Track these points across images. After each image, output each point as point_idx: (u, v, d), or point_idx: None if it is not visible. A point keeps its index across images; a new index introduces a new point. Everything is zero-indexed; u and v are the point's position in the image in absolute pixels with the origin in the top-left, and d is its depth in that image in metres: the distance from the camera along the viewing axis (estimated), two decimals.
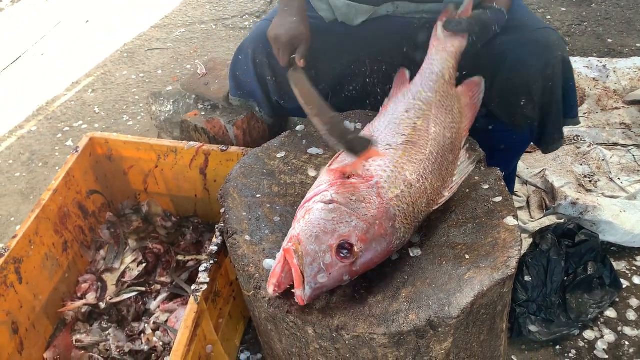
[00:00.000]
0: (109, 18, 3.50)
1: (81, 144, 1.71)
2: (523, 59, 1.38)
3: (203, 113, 1.82)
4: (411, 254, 1.13)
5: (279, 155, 1.41)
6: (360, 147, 1.15)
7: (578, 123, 1.50)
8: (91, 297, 1.68)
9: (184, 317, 1.23)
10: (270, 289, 1.00)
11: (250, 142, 1.84)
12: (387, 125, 1.25)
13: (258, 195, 1.30)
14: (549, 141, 1.47)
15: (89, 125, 2.59)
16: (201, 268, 1.33)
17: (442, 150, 1.21)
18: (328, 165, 1.19)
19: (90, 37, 3.33)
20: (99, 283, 1.72)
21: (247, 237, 1.20)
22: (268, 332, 1.20)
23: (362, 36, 1.57)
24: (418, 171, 1.14)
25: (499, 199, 1.22)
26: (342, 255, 1.00)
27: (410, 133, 1.21)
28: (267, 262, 1.12)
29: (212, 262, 1.34)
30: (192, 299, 1.27)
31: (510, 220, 1.17)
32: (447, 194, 1.17)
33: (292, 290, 0.99)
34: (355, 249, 1.01)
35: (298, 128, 1.48)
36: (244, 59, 1.58)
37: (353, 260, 1.01)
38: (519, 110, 1.43)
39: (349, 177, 1.13)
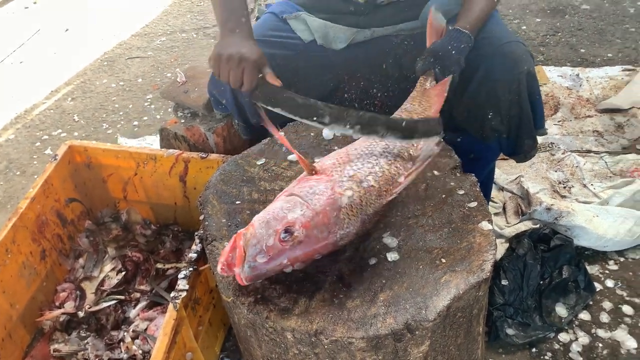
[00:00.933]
0: (88, 27, 3.49)
1: (60, 152, 1.70)
2: (490, 73, 1.40)
3: (183, 121, 1.82)
4: (389, 259, 1.15)
5: (258, 162, 1.42)
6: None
7: (545, 134, 1.53)
8: (69, 306, 1.67)
9: (162, 325, 1.23)
10: (218, 267, 1.03)
11: (231, 149, 1.85)
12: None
13: (238, 202, 1.31)
14: (524, 150, 1.50)
15: (68, 134, 2.57)
16: (180, 275, 1.33)
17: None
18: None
19: (70, 45, 3.32)
20: (78, 292, 1.71)
21: (227, 244, 1.21)
22: (247, 339, 1.20)
23: (340, 55, 1.59)
24: (371, 162, 1.16)
25: (474, 204, 1.25)
26: (282, 238, 1.02)
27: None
28: None
29: (191, 269, 1.34)
30: (171, 306, 1.27)
31: (485, 225, 1.20)
32: (403, 180, 1.16)
33: (234, 269, 1.01)
34: (295, 233, 1.03)
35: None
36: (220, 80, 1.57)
37: (292, 243, 1.03)
38: (487, 123, 1.45)
39: (316, 173, 1.16)
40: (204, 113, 1.81)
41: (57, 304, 1.69)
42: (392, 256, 1.16)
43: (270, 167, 1.41)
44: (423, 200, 1.28)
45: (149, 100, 2.76)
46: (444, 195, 1.29)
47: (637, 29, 3.12)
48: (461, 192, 1.29)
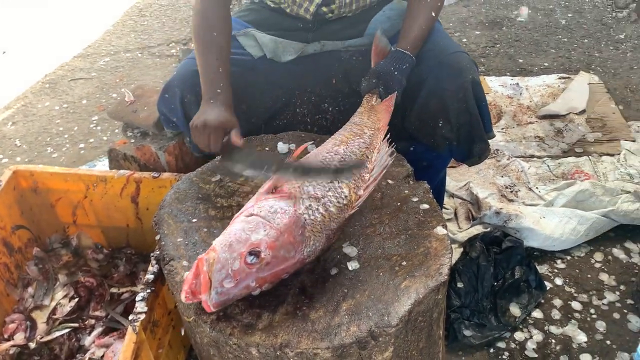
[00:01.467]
0: (28, 48, 3.39)
1: (4, 178, 1.64)
2: (438, 83, 1.45)
3: (132, 140, 1.79)
4: (349, 268, 1.16)
5: (213, 179, 1.41)
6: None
7: (493, 137, 1.59)
8: (19, 338, 1.60)
9: (122, 349, 1.19)
10: (182, 296, 1.00)
11: (183, 167, 1.83)
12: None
13: (194, 220, 1.30)
14: (478, 153, 1.55)
15: (10, 159, 2.48)
16: (138, 297, 1.30)
17: (353, 154, 1.26)
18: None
19: (8, 68, 3.21)
20: (28, 322, 1.63)
21: (185, 263, 1.19)
22: (210, 358, 1.18)
23: (290, 70, 1.61)
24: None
25: (427, 209, 1.28)
26: (249, 261, 1.01)
27: (330, 149, 1.28)
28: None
29: (149, 290, 1.32)
30: (130, 329, 1.23)
31: (439, 230, 1.23)
32: (362, 193, 1.19)
33: (200, 297, 0.99)
34: (262, 254, 1.02)
35: None
36: (170, 97, 1.56)
37: (259, 266, 1.02)
38: (438, 131, 1.50)
39: (274, 191, 1.16)
40: (154, 132, 1.78)
41: (5, 336, 1.61)
42: (352, 265, 1.17)
43: (226, 184, 1.40)
44: (379, 208, 1.31)
45: (94, 121, 2.70)
46: (399, 203, 1.32)
47: (569, 39, 3.29)
48: (415, 199, 1.32)
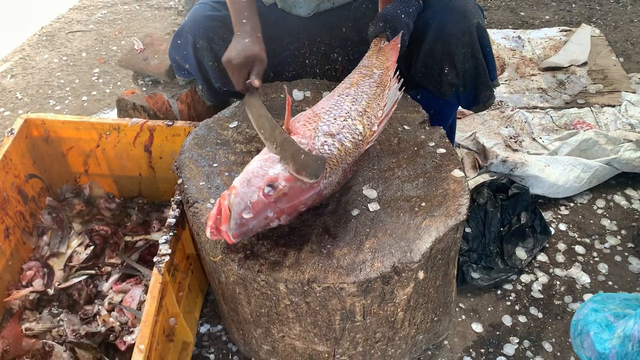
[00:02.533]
0: (22, 1, 3.30)
1: (16, 126, 1.64)
2: (442, 27, 1.45)
3: (144, 89, 1.78)
4: (370, 209, 1.19)
5: (231, 126, 1.43)
6: (313, 167, 1.06)
7: (497, 85, 1.60)
8: (38, 284, 1.63)
9: (150, 288, 1.23)
10: (207, 231, 1.03)
11: (195, 116, 1.83)
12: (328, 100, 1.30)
13: (215, 165, 1.32)
14: (483, 99, 1.56)
15: (12, 112, 2.46)
16: (161, 240, 1.32)
17: (364, 93, 1.28)
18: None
19: (3, 21, 3.13)
20: (45, 269, 1.66)
21: (209, 205, 1.22)
22: (235, 296, 1.22)
23: (300, 19, 1.60)
24: (342, 115, 1.20)
25: (444, 153, 1.31)
26: (266, 192, 1.04)
27: (342, 92, 1.29)
28: None
29: (171, 234, 1.34)
30: (155, 270, 1.27)
31: (457, 173, 1.26)
32: (376, 128, 1.21)
33: (220, 228, 1.02)
34: (279, 186, 1.06)
35: None
36: (183, 43, 1.55)
37: (276, 196, 1.05)
38: (444, 77, 1.51)
39: (289, 134, 1.18)
40: (165, 80, 1.77)
41: (24, 282, 1.64)
42: (373, 206, 1.20)
43: (244, 130, 1.42)
44: (397, 153, 1.33)
45: (96, 74, 2.67)
46: (415, 148, 1.34)
47: None
48: (432, 143, 1.35)
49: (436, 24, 1.45)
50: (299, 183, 1.08)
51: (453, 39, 1.44)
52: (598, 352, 1.13)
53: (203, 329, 1.60)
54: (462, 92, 1.55)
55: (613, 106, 2.29)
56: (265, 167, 1.09)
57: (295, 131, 1.18)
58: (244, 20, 1.39)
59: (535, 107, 2.32)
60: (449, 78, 1.51)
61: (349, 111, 1.21)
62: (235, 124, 1.43)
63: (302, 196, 1.09)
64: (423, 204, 1.20)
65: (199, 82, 1.62)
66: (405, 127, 1.40)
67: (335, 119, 1.19)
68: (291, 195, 1.07)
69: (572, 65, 2.54)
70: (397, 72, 1.34)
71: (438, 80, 1.53)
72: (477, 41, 1.46)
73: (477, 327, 1.57)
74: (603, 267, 1.70)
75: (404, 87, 1.33)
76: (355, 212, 1.19)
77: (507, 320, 1.58)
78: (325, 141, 1.14)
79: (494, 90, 1.58)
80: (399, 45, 1.40)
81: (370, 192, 1.23)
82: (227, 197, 1.04)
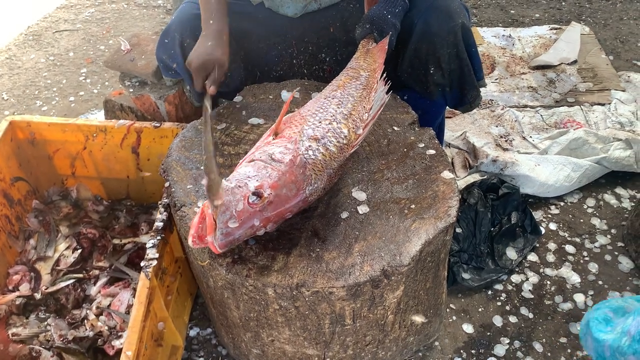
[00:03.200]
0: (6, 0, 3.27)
1: (0, 128, 1.61)
2: (427, 27, 1.44)
3: (131, 90, 1.76)
4: (360, 211, 1.19)
5: (219, 127, 1.41)
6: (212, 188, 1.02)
7: (484, 85, 1.60)
8: (25, 288, 1.60)
9: (137, 293, 1.21)
10: (190, 240, 1.02)
11: (183, 117, 1.81)
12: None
13: (202, 167, 1.30)
14: (469, 100, 1.56)
15: None
16: (148, 244, 1.31)
17: (351, 95, 1.26)
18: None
19: None
20: (32, 273, 1.64)
21: (197, 209, 1.20)
22: (224, 301, 1.21)
23: (288, 19, 1.59)
24: (327, 118, 1.19)
25: (434, 154, 1.31)
26: (252, 201, 1.03)
27: (328, 94, 1.27)
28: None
29: (159, 238, 1.33)
30: (142, 275, 1.25)
31: (446, 174, 1.26)
32: (362, 132, 1.20)
33: (206, 240, 1.01)
34: (265, 194, 1.04)
35: (236, 99, 1.49)
36: (170, 42, 1.54)
37: (262, 205, 1.04)
38: (430, 78, 1.50)
39: (275, 137, 1.17)
40: (153, 81, 1.76)
41: (10, 287, 1.62)
42: (362, 209, 1.19)
43: (232, 132, 1.40)
44: (386, 155, 1.32)
45: (83, 74, 2.64)
46: (405, 149, 1.34)
47: None
48: (421, 145, 1.34)
49: (421, 24, 1.44)
50: (285, 190, 1.06)
51: (438, 39, 1.44)
52: (596, 339, 1.15)
53: (192, 333, 1.59)
54: (448, 92, 1.55)
55: (603, 104, 2.29)
56: (250, 174, 1.07)
57: (281, 134, 1.17)
58: (211, 21, 1.40)
59: (526, 106, 2.32)
60: (434, 78, 1.50)
61: (334, 114, 1.20)
62: (223, 125, 1.41)
63: (288, 203, 1.08)
64: (413, 206, 1.19)
65: (186, 82, 1.61)
66: (395, 128, 1.40)
67: (320, 122, 1.18)
68: (277, 203, 1.06)
69: (562, 63, 2.54)
70: (384, 74, 1.33)
71: (424, 81, 1.52)
72: (462, 41, 1.45)
73: (468, 328, 1.56)
74: (593, 267, 1.71)
75: (391, 90, 1.32)
76: (344, 215, 1.18)
77: (497, 320, 1.58)
78: (310, 145, 1.13)
79: (480, 90, 1.57)
80: (386, 47, 1.39)
81: (359, 195, 1.22)
82: (207, 204, 1.02)
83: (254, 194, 1.03)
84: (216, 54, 1.36)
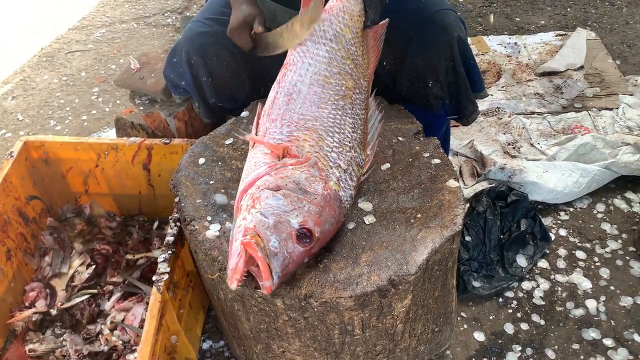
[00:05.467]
0: (21, 22, 3.34)
1: (15, 149, 1.65)
2: (425, 42, 1.45)
3: (141, 108, 1.80)
4: (366, 222, 1.20)
5: (227, 142, 1.44)
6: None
7: (486, 96, 1.60)
8: (41, 305, 1.64)
9: (149, 307, 1.23)
10: (234, 285, 0.99)
11: (192, 133, 1.84)
12: (310, 87, 1.27)
13: (212, 182, 1.32)
14: (466, 114, 1.57)
15: (13, 134, 2.48)
16: (160, 259, 1.33)
17: (361, 112, 1.29)
18: (253, 131, 1.25)
19: (3, 42, 3.17)
20: (48, 290, 1.67)
21: (206, 223, 1.23)
22: (234, 313, 1.23)
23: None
24: (347, 144, 1.21)
25: (439, 164, 1.32)
26: (304, 242, 1.03)
27: (335, 101, 1.26)
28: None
29: (170, 252, 1.35)
30: (154, 289, 1.27)
31: (452, 183, 1.27)
32: (369, 152, 1.25)
33: (261, 283, 1.00)
34: (315, 233, 1.05)
35: (243, 114, 1.51)
36: (178, 61, 1.57)
37: (313, 244, 1.05)
38: (429, 91, 1.51)
39: (283, 157, 1.17)
40: (162, 98, 1.79)
41: (26, 304, 1.65)
42: (369, 219, 1.21)
43: (239, 146, 1.42)
44: (391, 165, 1.34)
45: (95, 93, 2.69)
46: (410, 159, 1.35)
47: None
48: (426, 154, 1.36)
49: (417, 37, 1.46)
50: (327, 226, 1.08)
51: (434, 52, 1.45)
52: None
53: (205, 345, 1.61)
54: (448, 105, 1.56)
55: (611, 109, 2.29)
56: (288, 209, 1.05)
57: (291, 152, 1.16)
58: None
59: (533, 113, 2.32)
60: (434, 91, 1.51)
61: (351, 139, 1.22)
62: (230, 140, 1.44)
63: (330, 235, 1.11)
64: (419, 215, 1.20)
65: (195, 99, 1.64)
66: (400, 138, 1.41)
67: (340, 145, 1.20)
68: (322, 239, 1.09)
69: (568, 69, 2.55)
70: (374, 91, 1.36)
71: (424, 94, 1.53)
72: (458, 54, 1.46)
73: (479, 336, 1.56)
74: (604, 272, 1.70)
75: (383, 112, 1.33)
76: (350, 226, 1.20)
77: (509, 328, 1.57)
78: (340, 177, 1.15)
79: (477, 105, 1.58)
80: (382, 37, 1.37)
81: (365, 205, 1.24)
82: (256, 247, 0.98)
83: (303, 234, 1.03)
84: (249, 10, 1.39)
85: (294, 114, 1.22)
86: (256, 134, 1.24)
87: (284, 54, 1.35)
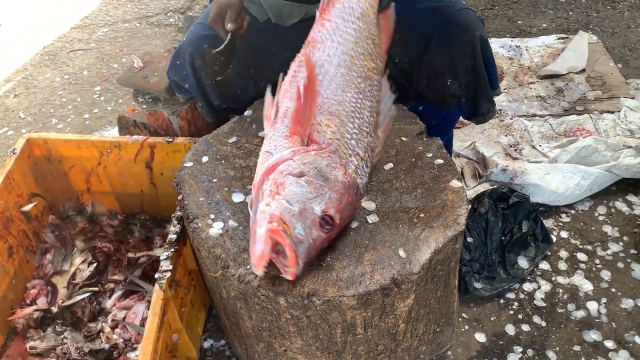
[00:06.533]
0: (23, 21, 3.35)
1: (18, 146, 1.65)
2: (446, 40, 1.46)
3: (144, 106, 1.80)
4: (369, 221, 1.20)
5: (230, 141, 1.44)
6: None
7: (500, 93, 1.61)
8: (42, 302, 1.64)
9: (151, 305, 1.23)
10: (260, 271, 1.00)
11: (195, 132, 1.85)
12: (337, 68, 1.25)
13: (215, 180, 1.33)
14: (484, 112, 1.58)
15: (15, 132, 2.48)
16: (162, 256, 1.33)
17: (377, 93, 1.29)
18: (267, 115, 1.24)
19: (5, 41, 3.17)
20: (49, 287, 1.67)
21: (209, 221, 1.23)
22: (237, 311, 1.23)
23: (295, 31, 1.61)
24: (365, 129, 1.21)
25: (442, 164, 1.32)
26: (326, 228, 1.05)
27: (358, 84, 1.25)
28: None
29: (172, 250, 1.35)
30: (157, 286, 1.27)
31: (455, 183, 1.27)
32: (381, 134, 1.25)
33: (285, 269, 1.01)
34: (336, 220, 1.06)
35: (246, 113, 1.51)
36: (182, 63, 1.57)
37: (334, 230, 1.07)
38: (446, 89, 1.52)
39: (307, 144, 1.16)
40: (165, 97, 1.79)
41: (28, 301, 1.65)
42: (372, 219, 1.21)
43: (243, 145, 1.43)
44: (395, 165, 1.34)
45: (97, 92, 2.70)
46: (413, 159, 1.35)
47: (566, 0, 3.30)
48: (429, 154, 1.36)
49: (438, 36, 1.47)
50: (346, 212, 1.10)
51: (456, 51, 1.46)
52: None
53: (206, 344, 1.61)
54: (464, 104, 1.56)
55: (612, 112, 2.29)
56: (310, 196, 1.05)
57: (311, 137, 1.16)
58: None
59: (535, 115, 2.32)
60: (451, 90, 1.52)
61: (368, 125, 1.22)
62: (234, 139, 1.44)
63: (347, 219, 1.14)
64: (422, 215, 1.20)
65: (199, 99, 1.64)
66: (403, 138, 1.41)
67: (360, 130, 1.19)
68: (341, 225, 1.10)
69: (570, 72, 2.55)
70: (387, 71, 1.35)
71: (441, 92, 1.54)
72: (480, 54, 1.47)
73: (481, 337, 1.56)
74: (606, 274, 1.70)
75: (396, 94, 1.32)
76: (354, 225, 1.20)
77: (510, 329, 1.58)
78: (358, 164, 1.16)
79: (495, 103, 1.58)
80: (393, 18, 1.36)
81: (368, 204, 1.24)
82: (284, 234, 0.99)
83: (325, 220, 1.05)
84: (224, 0, 1.37)
85: (318, 97, 1.20)
86: (276, 114, 1.22)
87: (283, 48, 1.34)
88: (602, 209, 1.92)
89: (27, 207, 1.67)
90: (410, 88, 1.58)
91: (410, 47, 1.50)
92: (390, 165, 1.33)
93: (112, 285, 1.68)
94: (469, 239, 1.69)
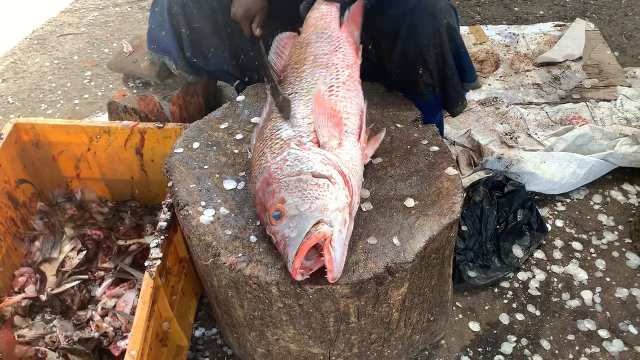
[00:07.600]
0: (11, 4, 3.28)
1: (5, 131, 1.62)
2: (414, 28, 1.42)
3: (135, 91, 1.77)
4: (363, 209, 1.18)
5: (222, 127, 1.41)
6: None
7: (479, 86, 1.57)
8: (30, 290, 1.61)
9: (141, 293, 1.21)
10: (298, 276, 1.02)
11: (187, 117, 1.82)
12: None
13: (206, 167, 1.30)
14: (452, 105, 1.55)
15: (3, 117, 2.44)
16: (152, 244, 1.31)
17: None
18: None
19: None
20: (38, 275, 1.65)
21: (200, 208, 1.20)
22: (228, 300, 1.21)
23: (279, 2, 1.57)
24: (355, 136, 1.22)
25: (437, 151, 1.30)
26: (344, 227, 1.04)
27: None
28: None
29: (162, 237, 1.32)
30: (146, 274, 1.25)
31: (450, 171, 1.25)
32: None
33: (330, 274, 1.01)
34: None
35: (238, 98, 1.48)
36: (159, 10, 1.57)
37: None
38: (419, 78, 1.48)
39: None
40: (156, 82, 1.76)
41: (16, 289, 1.62)
42: (366, 206, 1.19)
43: (235, 131, 1.40)
44: (389, 152, 1.32)
45: (87, 77, 2.65)
46: (408, 146, 1.33)
47: None
48: (425, 141, 1.34)
49: (406, 24, 1.43)
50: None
51: (424, 39, 1.42)
52: None
53: (198, 333, 1.59)
54: (439, 93, 1.53)
55: (609, 100, 2.28)
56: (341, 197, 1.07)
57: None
58: None
59: (531, 103, 2.30)
60: (424, 78, 1.49)
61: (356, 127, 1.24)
62: (226, 125, 1.41)
63: None
64: (417, 202, 1.18)
65: (173, 52, 1.61)
66: (398, 125, 1.39)
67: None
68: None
69: (567, 60, 2.53)
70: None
71: (414, 81, 1.50)
72: (447, 42, 1.43)
73: (475, 326, 1.55)
74: (600, 263, 1.69)
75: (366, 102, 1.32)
76: None
77: (504, 318, 1.57)
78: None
79: (464, 97, 1.56)
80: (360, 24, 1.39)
81: (363, 192, 1.22)
82: (322, 239, 1.00)
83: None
84: (257, 1, 1.39)
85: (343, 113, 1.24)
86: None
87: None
88: (597, 198, 1.90)
89: None
90: (386, 78, 1.54)
91: (384, 34, 1.47)
92: (385, 152, 1.31)
93: (102, 273, 1.65)
94: (464, 228, 1.67)
